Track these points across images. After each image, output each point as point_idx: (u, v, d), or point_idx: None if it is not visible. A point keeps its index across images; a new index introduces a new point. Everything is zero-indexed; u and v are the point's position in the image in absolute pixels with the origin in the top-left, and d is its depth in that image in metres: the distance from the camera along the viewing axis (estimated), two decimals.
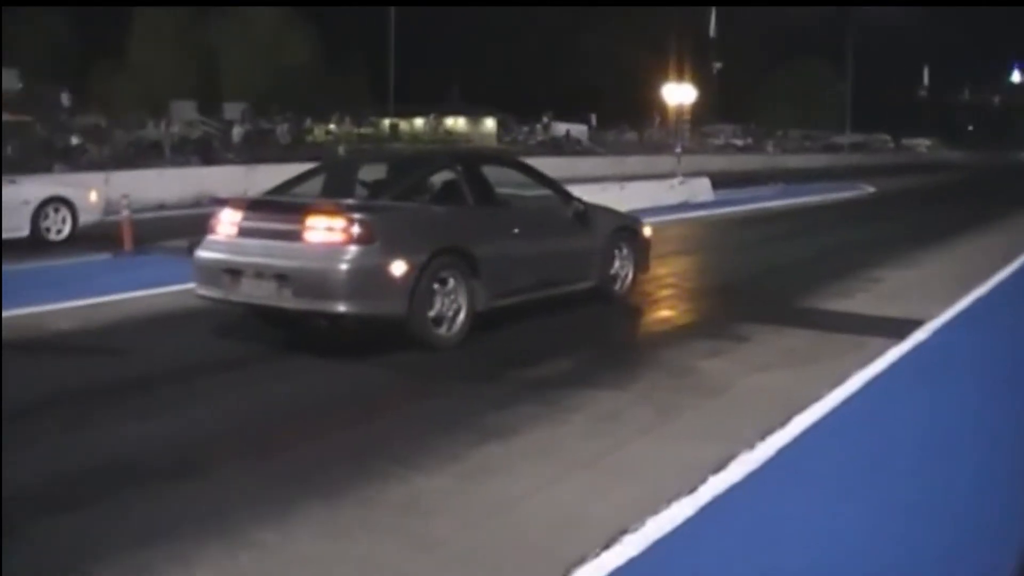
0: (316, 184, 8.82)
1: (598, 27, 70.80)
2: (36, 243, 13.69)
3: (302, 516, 4.28)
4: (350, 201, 7.80)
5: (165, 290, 9.84)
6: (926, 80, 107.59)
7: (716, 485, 4.55)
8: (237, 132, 45.01)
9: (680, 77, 37.97)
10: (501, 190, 8.89)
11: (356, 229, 7.08)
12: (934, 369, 7.15)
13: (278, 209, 7.87)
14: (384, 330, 7.51)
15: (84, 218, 14.56)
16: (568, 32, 71.84)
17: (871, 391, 6.38)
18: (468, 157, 9.79)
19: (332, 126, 57.53)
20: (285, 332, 8.04)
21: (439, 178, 8.56)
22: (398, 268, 7.14)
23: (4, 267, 10.28)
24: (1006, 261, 12.75)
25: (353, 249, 7.06)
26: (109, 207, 15.00)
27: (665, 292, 10.57)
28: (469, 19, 66.71)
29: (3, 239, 12.83)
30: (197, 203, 19.40)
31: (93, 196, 14.93)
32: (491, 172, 8.85)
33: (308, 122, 56.02)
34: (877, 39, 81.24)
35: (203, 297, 7.89)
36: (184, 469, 4.89)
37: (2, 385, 6.17)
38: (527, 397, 6.19)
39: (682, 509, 4.25)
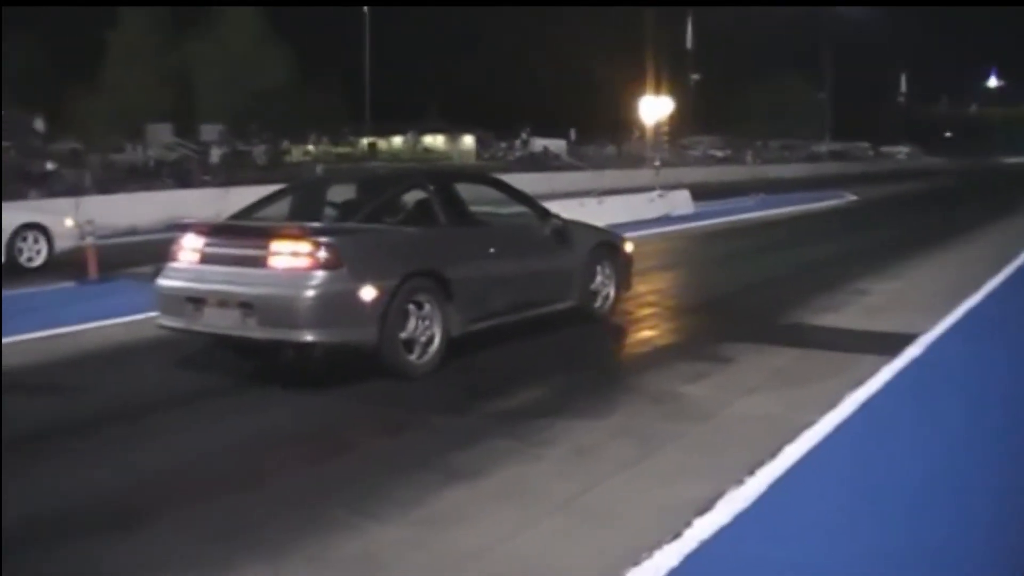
0: (283, 206, 8.45)
1: (576, 40, 70.68)
2: (10, 270, 13.26)
3: None
4: (316, 224, 7.43)
5: (129, 319, 9.45)
6: (903, 88, 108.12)
7: (703, 528, 4.16)
8: (215, 153, 44.57)
9: (658, 89, 37.93)
10: (475, 208, 8.55)
11: (322, 253, 6.74)
12: (931, 388, 6.77)
13: (242, 234, 7.53)
14: (355, 357, 7.15)
15: (60, 244, 14.31)
16: (546, 46, 71.75)
17: (866, 415, 5.99)
18: (440, 175, 9.44)
19: (310, 146, 57.23)
20: (252, 362, 7.68)
21: (410, 198, 8.21)
22: (367, 294, 6.79)
23: None
24: (994, 271, 12.46)
25: (320, 274, 6.71)
26: (84, 232, 14.67)
27: (646, 311, 10.23)
28: (447, 35, 66.62)
29: None
30: (169, 227, 18.97)
31: (69, 222, 14.71)
32: (465, 190, 8.52)
33: (286, 143, 55.68)
34: (854, 48, 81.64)
35: (165, 327, 7.53)
36: (121, 523, 4.49)
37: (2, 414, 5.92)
38: (498, 430, 5.81)
39: (666, 559, 3.86)
